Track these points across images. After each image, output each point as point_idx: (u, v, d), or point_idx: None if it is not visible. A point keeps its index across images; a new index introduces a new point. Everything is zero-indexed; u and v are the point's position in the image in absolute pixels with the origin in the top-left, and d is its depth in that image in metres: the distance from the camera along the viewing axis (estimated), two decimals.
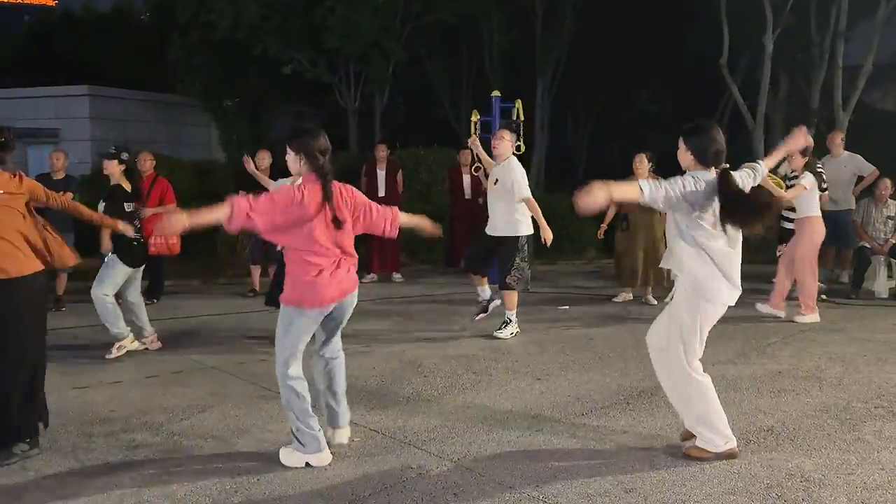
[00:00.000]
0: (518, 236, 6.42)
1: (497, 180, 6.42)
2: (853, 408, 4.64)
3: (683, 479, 3.58)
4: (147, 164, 8.22)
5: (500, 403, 4.75)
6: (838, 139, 9.32)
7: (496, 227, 6.50)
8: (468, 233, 9.74)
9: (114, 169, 5.94)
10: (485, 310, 6.82)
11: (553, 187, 15.69)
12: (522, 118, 9.12)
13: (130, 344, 6.02)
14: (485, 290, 6.79)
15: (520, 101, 9.23)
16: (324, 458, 3.74)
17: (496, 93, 9.43)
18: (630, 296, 8.37)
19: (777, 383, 5.15)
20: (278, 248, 8.61)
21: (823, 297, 8.24)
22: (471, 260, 6.76)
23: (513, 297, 6.57)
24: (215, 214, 3.47)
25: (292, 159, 3.76)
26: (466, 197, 10.25)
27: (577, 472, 3.67)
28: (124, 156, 5.99)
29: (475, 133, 9.50)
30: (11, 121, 20.46)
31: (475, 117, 9.26)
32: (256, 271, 8.94)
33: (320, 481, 3.56)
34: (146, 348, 6.10)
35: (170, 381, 5.29)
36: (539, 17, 17.31)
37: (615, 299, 8.40)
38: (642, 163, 7.79)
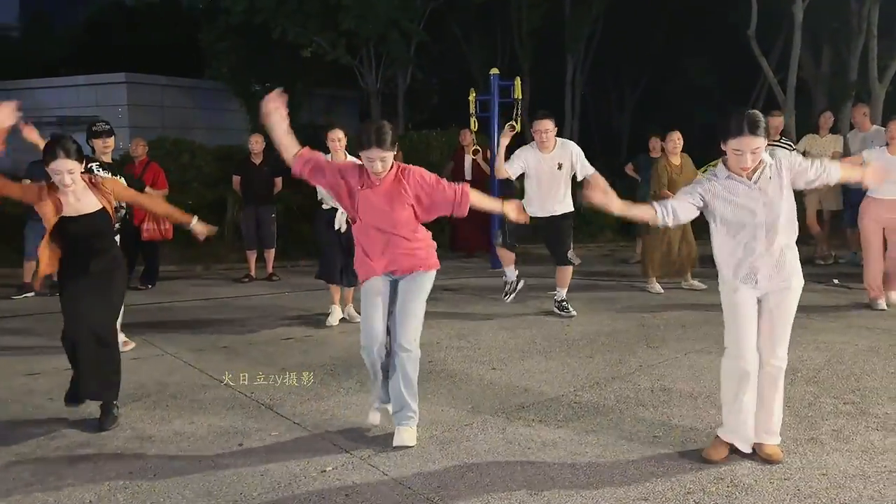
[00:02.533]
0: (573, 211, 6.69)
1: (560, 164, 6.47)
2: (819, 403, 4.27)
3: (597, 483, 3.32)
4: (139, 149, 8.24)
5: (440, 394, 4.54)
6: (862, 113, 8.70)
7: (553, 208, 6.55)
8: (469, 217, 9.47)
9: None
10: (514, 290, 6.96)
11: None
12: (521, 96, 8.78)
13: None
14: (512, 271, 6.91)
15: (518, 78, 8.90)
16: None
17: (494, 70, 9.12)
18: (660, 288, 7.76)
19: None
20: (273, 228, 8.73)
21: (835, 281, 7.74)
22: (515, 236, 6.75)
23: (570, 273, 6.75)
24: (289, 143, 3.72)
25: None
26: (467, 178, 9.92)
27: (480, 476, 3.45)
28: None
29: (474, 113, 9.24)
30: (56, 109, 21.18)
31: (472, 95, 8.99)
32: (252, 256, 8.92)
33: (214, 476, 3.43)
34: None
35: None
36: None
37: (650, 289, 7.84)
38: (676, 142, 7.60)
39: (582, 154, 6.57)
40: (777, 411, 3.54)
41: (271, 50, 15.53)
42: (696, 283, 7.76)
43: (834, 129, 9.08)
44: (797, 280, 3.49)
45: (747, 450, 3.52)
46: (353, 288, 6.35)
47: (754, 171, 3.39)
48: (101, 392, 4.05)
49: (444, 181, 3.85)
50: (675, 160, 7.59)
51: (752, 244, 3.43)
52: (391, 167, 3.72)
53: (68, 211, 3.98)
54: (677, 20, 18.76)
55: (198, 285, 8.61)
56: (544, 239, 6.78)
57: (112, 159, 5.95)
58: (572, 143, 6.71)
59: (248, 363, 5.28)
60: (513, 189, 9.54)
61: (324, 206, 6.42)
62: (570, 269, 6.72)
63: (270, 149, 8.64)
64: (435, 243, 3.96)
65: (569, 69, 17.48)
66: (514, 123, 8.66)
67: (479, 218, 8.68)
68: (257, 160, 8.75)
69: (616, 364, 5.12)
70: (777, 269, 3.44)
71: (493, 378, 4.86)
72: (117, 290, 4.19)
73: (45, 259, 4.01)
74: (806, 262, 8.53)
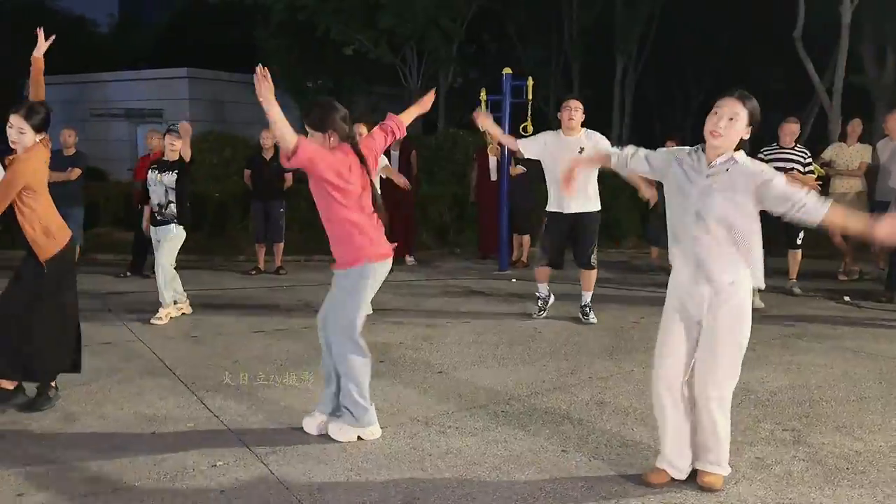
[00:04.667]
0: (600, 210, 6.36)
1: (582, 149, 6.05)
2: (757, 428, 4.03)
3: (478, 493, 3.23)
4: (154, 141, 8.51)
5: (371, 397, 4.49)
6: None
7: (578, 205, 6.22)
8: (492, 219, 9.41)
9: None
10: (546, 306, 6.64)
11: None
12: (531, 97, 8.63)
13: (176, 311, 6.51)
14: (546, 287, 6.61)
15: (531, 78, 8.75)
16: (376, 430, 3.83)
17: (507, 70, 8.98)
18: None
19: None
20: (281, 222, 8.89)
21: (846, 298, 7.30)
22: (554, 256, 6.43)
23: (594, 276, 6.48)
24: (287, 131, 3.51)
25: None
26: (492, 179, 9.79)
27: (365, 481, 3.41)
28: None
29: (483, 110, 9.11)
30: (123, 101, 22.13)
31: (483, 95, 8.89)
32: (261, 250, 9.09)
33: (109, 463, 3.51)
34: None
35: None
36: None
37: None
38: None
39: (607, 143, 6.19)
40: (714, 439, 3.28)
41: (320, 48, 15.82)
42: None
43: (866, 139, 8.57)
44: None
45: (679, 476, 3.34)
46: None
47: (717, 156, 3.15)
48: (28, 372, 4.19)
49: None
50: None
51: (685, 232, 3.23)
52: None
53: None
54: (743, 21, 18.09)
55: (208, 276, 8.82)
56: (568, 238, 6.40)
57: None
58: (600, 134, 6.32)
59: (209, 354, 5.39)
60: (526, 189, 9.41)
61: None
62: (594, 272, 6.44)
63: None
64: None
65: (618, 69, 17.09)
66: (528, 125, 8.58)
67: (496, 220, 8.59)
68: (268, 155, 8.89)
69: (566, 374, 4.97)
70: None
71: (434, 383, 4.79)
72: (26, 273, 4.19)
73: None
74: (825, 276, 8.20)
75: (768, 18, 16.81)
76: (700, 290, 3.20)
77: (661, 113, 23.39)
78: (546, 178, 6.42)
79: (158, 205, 6.51)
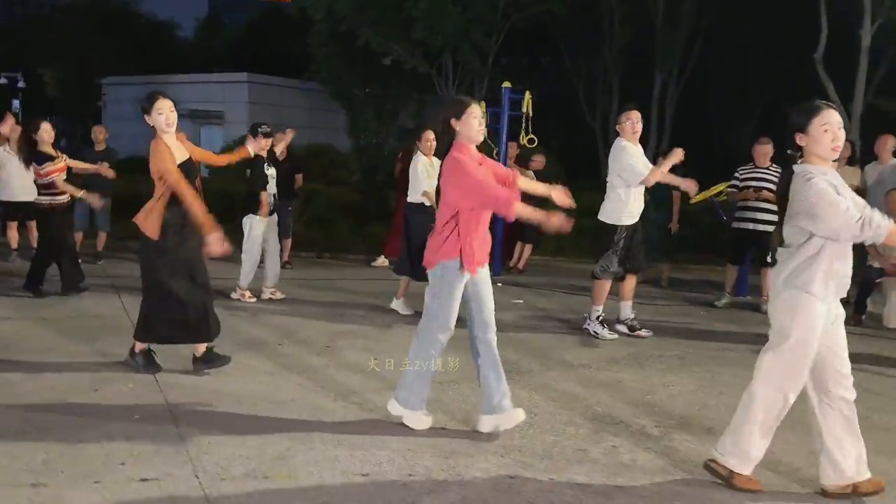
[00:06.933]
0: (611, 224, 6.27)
1: None
2: (632, 422, 4.33)
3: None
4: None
5: (228, 387, 4.64)
6: (889, 144, 8.17)
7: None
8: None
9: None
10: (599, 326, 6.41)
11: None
12: (530, 111, 9.00)
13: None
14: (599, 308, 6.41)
15: (529, 92, 9.12)
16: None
17: (507, 84, 9.38)
18: None
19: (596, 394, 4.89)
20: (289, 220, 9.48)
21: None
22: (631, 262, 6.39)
23: (599, 287, 6.36)
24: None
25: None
26: None
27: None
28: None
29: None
30: (190, 103, 23.46)
31: (482, 107, 9.27)
32: None
33: (32, 414, 4.11)
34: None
35: (45, 323, 6.05)
36: (660, 8, 16.55)
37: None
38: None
39: (617, 156, 6.19)
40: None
41: (365, 57, 16.51)
42: None
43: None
44: None
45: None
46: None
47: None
48: None
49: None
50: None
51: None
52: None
53: None
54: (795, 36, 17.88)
55: (216, 266, 9.48)
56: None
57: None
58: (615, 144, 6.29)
59: None
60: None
61: (410, 200, 6.95)
62: (599, 283, 6.30)
63: (293, 147, 9.49)
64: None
65: (657, 85, 17.18)
66: (533, 137, 8.93)
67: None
68: (281, 156, 9.52)
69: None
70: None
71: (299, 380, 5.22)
72: None
73: None
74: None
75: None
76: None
77: (720, 131, 23.09)
78: (628, 189, 6.18)
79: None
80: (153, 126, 4.73)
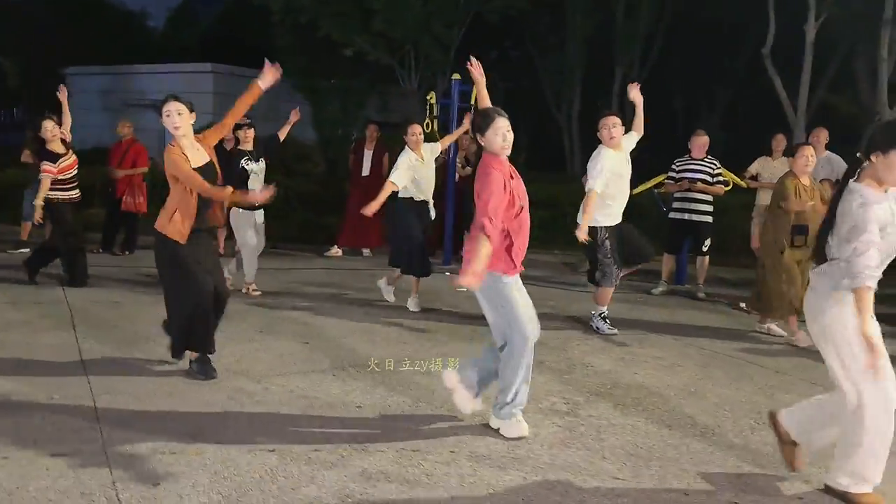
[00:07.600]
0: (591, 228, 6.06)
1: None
2: (544, 399, 4.49)
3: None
4: (126, 129, 9.31)
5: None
6: (822, 137, 8.41)
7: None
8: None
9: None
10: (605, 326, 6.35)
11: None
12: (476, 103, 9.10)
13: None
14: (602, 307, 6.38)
15: (475, 84, 9.19)
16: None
17: (456, 76, 9.49)
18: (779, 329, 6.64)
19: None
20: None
21: (742, 305, 7.47)
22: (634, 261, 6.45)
23: (601, 290, 6.32)
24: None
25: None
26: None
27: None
28: None
29: (433, 116, 9.62)
30: (154, 93, 23.26)
31: (432, 98, 9.39)
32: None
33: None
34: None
35: (13, 307, 6.20)
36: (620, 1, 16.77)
37: (761, 326, 6.74)
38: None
39: (591, 164, 6.09)
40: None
41: (327, 48, 16.51)
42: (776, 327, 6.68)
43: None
44: None
45: None
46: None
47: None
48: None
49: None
50: (806, 180, 6.28)
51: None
52: None
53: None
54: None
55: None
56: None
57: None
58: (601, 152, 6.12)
59: (115, 318, 6.08)
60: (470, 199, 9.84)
61: (402, 196, 6.78)
62: (602, 289, 6.25)
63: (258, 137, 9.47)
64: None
65: (616, 80, 17.37)
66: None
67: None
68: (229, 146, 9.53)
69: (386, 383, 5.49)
70: None
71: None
72: None
73: None
74: (744, 285, 8.41)
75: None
76: None
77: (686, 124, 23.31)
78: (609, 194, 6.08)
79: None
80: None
